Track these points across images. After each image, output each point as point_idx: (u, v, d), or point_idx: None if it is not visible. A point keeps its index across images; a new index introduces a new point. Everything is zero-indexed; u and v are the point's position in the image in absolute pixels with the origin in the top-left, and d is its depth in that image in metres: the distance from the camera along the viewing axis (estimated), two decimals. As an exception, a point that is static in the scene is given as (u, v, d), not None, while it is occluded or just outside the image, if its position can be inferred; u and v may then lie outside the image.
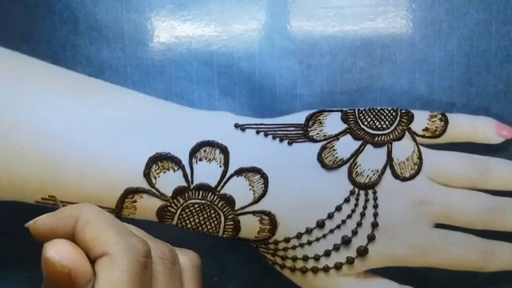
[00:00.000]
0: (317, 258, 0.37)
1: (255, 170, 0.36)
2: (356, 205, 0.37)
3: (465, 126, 0.38)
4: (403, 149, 0.38)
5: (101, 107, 0.36)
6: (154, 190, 0.36)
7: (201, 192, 0.36)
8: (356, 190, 0.37)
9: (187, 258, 0.32)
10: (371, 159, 0.37)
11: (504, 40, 0.38)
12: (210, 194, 0.36)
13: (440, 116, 0.38)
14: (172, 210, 0.36)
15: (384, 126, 0.38)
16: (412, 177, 0.37)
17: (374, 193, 0.37)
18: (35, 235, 0.29)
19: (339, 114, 0.38)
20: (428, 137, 0.38)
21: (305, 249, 0.37)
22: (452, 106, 0.39)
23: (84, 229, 0.28)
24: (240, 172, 0.36)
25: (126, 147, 0.35)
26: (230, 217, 0.37)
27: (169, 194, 0.36)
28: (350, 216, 0.37)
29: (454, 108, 0.39)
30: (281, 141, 0.37)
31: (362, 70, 0.38)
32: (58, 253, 0.27)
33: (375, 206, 0.37)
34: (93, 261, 0.28)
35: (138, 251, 0.28)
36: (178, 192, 0.36)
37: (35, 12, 0.38)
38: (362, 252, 0.37)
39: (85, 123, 0.35)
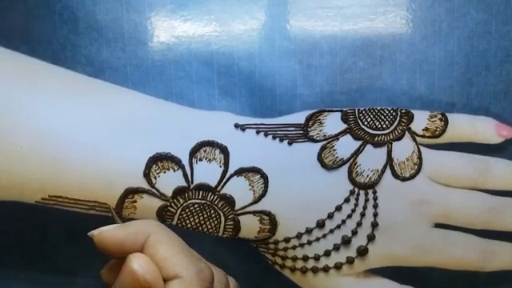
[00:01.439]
0: (317, 257, 0.37)
1: (255, 170, 0.36)
2: (356, 205, 0.37)
3: (465, 125, 0.38)
4: (403, 149, 0.38)
5: (101, 107, 0.36)
6: (154, 190, 0.36)
7: (201, 192, 0.36)
8: (356, 189, 0.37)
9: (233, 284, 0.34)
10: (371, 159, 0.37)
11: (504, 40, 0.38)
12: (210, 194, 0.36)
13: (440, 116, 0.38)
14: (172, 209, 0.36)
15: (384, 125, 0.38)
16: (412, 177, 0.37)
17: (374, 193, 0.37)
18: (99, 245, 0.30)
19: (339, 114, 0.38)
20: (428, 137, 0.38)
21: (305, 249, 0.37)
22: (452, 106, 0.39)
23: (155, 248, 0.30)
24: (240, 172, 0.36)
25: (126, 147, 0.35)
26: (230, 217, 0.37)
27: (169, 193, 0.36)
28: (349, 216, 0.37)
29: (454, 108, 0.39)
30: (281, 141, 0.37)
31: (362, 70, 0.38)
32: (142, 267, 0.28)
33: (375, 206, 0.37)
34: (163, 280, 0.29)
35: (206, 277, 0.30)
36: (178, 192, 0.36)
37: (35, 12, 0.38)
38: (362, 252, 0.37)
39: (85, 123, 0.35)
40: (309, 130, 0.37)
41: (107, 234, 0.30)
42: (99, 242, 0.30)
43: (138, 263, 0.28)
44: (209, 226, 0.37)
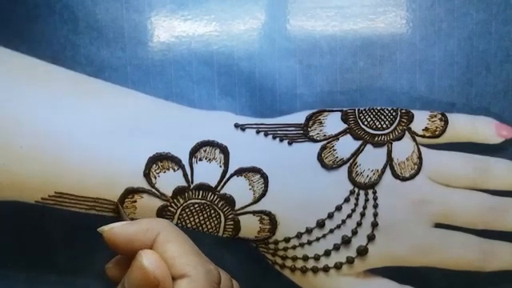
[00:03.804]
0: (317, 257, 0.37)
1: (255, 170, 0.36)
2: (356, 205, 0.37)
3: (465, 125, 0.38)
4: (403, 149, 0.38)
5: (101, 107, 0.36)
6: (154, 190, 0.36)
7: (201, 192, 0.36)
8: (356, 189, 0.37)
9: (236, 285, 0.34)
10: (371, 159, 0.37)
11: (504, 40, 0.38)
12: (210, 194, 0.36)
13: (440, 116, 0.38)
14: (172, 209, 0.36)
15: (384, 125, 0.38)
16: (412, 177, 0.37)
17: (374, 193, 0.37)
18: (109, 241, 0.30)
19: (339, 113, 0.38)
20: (428, 137, 0.38)
21: (305, 248, 0.37)
22: (452, 105, 0.39)
23: (165, 246, 0.30)
24: (240, 172, 0.36)
25: (126, 147, 0.35)
26: (230, 217, 0.37)
27: (169, 193, 0.36)
28: (349, 216, 0.37)
29: (454, 108, 0.39)
30: (281, 141, 0.37)
31: (362, 70, 0.38)
32: (152, 263, 0.29)
33: (375, 206, 0.37)
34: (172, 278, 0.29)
35: (214, 278, 0.30)
36: (178, 192, 0.36)
37: (35, 12, 0.38)
38: (362, 252, 0.37)
39: (85, 123, 0.35)
40: (309, 129, 0.37)
41: (117, 230, 0.30)
42: (109, 238, 0.30)
43: (148, 260, 0.28)
44: (209, 226, 0.37)
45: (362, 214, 0.37)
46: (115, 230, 0.30)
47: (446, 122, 0.38)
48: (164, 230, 0.30)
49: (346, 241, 0.37)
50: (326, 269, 0.37)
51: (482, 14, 0.38)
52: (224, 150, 0.36)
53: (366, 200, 0.37)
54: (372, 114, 0.38)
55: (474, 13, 0.38)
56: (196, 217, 0.37)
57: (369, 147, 0.37)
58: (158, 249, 0.30)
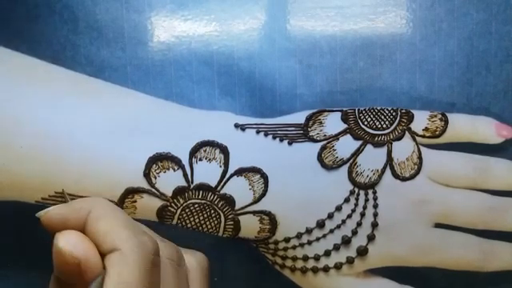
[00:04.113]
0: (317, 257, 0.37)
1: (255, 170, 0.36)
2: (356, 205, 0.37)
3: (465, 125, 0.38)
4: (403, 149, 0.38)
5: (101, 107, 0.36)
6: (154, 190, 0.36)
7: (201, 192, 0.36)
8: (356, 189, 0.37)
9: (194, 260, 0.32)
10: (371, 159, 0.37)
11: (504, 40, 0.38)
12: (210, 194, 0.36)
13: (440, 116, 0.38)
14: (172, 209, 0.36)
15: (384, 125, 0.38)
16: (412, 177, 0.37)
17: (374, 193, 0.37)
18: (46, 225, 0.29)
19: (339, 113, 0.38)
20: (428, 137, 0.38)
21: (305, 249, 0.37)
22: (452, 105, 0.39)
23: (96, 222, 0.28)
24: (240, 172, 0.36)
25: (126, 147, 0.35)
26: (230, 217, 0.37)
27: (169, 193, 0.36)
28: (349, 216, 0.37)
29: (454, 108, 0.39)
30: (281, 141, 0.37)
31: (362, 70, 0.38)
32: (70, 243, 0.27)
33: (375, 206, 0.37)
34: (103, 255, 0.28)
35: (149, 249, 0.28)
36: (178, 192, 0.36)
37: (35, 12, 0.38)
38: (362, 252, 0.37)
39: (85, 123, 0.35)
40: (309, 129, 0.37)
41: (52, 213, 0.29)
42: (45, 222, 0.29)
43: (64, 241, 0.27)
44: (209, 226, 0.37)
45: (362, 214, 0.37)
46: (50, 213, 0.29)
47: (446, 122, 0.38)
48: (95, 207, 0.29)
49: (346, 241, 0.37)
50: (325, 269, 0.37)
51: (482, 13, 0.38)
52: (224, 150, 0.36)
53: (366, 200, 0.37)
54: (372, 114, 0.38)
55: (474, 13, 0.38)
56: (196, 217, 0.37)
57: (369, 147, 0.37)
58: (90, 227, 0.29)
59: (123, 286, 0.27)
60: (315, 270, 0.37)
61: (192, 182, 0.36)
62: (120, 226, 0.29)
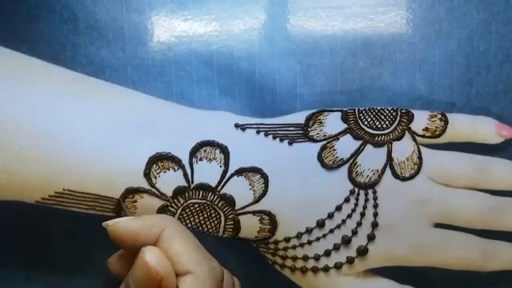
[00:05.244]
0: (317, 257, 0.37)
1: (255, 170, 0.36)
2: (356, 204, 0.37)
3: (465, 125, 0.38)
4: (403, 149, 0.38)
5: (101, 107, 0.36)
6: (154, 190, 0.36)
7: (201, 192, 0.36)
8: (356, 189, 0.37)
9: (237, 283, 0.34)
10: (371, 159, 0.37)
11: (504, 40, 0.38)
12: (210, 194, 0.36)
13: (440, 116, 0.38)
14: (172, 209, 0.36)
15: (384, 125, 0.38)
16: (412, 177, 0.37)
17: (374, 192, 0.37)
18: (113, 236, 0.30)
19: (339, 113, 0.38)
20: (428, 137, 0.38)
21: (305, 248, 0.37)
22: (452, 105, 0.39)
23: (169, 242, 0.30)
24: (240, 172, 0.36)
25: (126, 147, 0.35)
26: (230, 216, 0.37)
27: (169, 193, 0.36)
28: (349, 216, 0.37)
29: (454, 108, 0.39)
30: (281, 141, 0.37)
31: (362, 70, 0.38)
32: (155, 260, 0.29)
33: (375, 206, 0.37)
34: (176, 275, 0.29)
35: (218, 274, 0.30)
36: (179, 192, 0.36)
37: (35, 12, 0.38)
38: (362, 252, 0.37)
39: (85, 123, 0.35)
40: (309, 129, 0.37)
41: (122, 225, 0.30)
42: (113, 233, 0.30)
43: (151, 256, 0.29)
44: (209, 226, 0.37)
45: (362, 214, 0.37)
46: (120, 225, 0.30)
47: (446, 122, 0.38)
48: (169, 226, 0.30)
49: (346, 241, 0.37)
50: (326, 269, 0.37)
51: (482, 13, 0.38)
52: (224, 150, 0.36)
53: (366, 200, 0.37)
54: (372, 113, 0.38)
55: (474, 13, 0.38)
56: (196, 217, 0.37)
57: (369, 147, 0.37)
58: (163, 245, 0.30)
59: None
60: (315, 270, 0.37)
61: (192, 182, 0.36)
62: (193, 249, 0.30)
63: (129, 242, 0.30)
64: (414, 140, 0.38)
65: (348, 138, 0.37)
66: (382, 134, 0.38)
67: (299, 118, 0.37)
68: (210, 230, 0.37)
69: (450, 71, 0.38)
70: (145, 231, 0.30)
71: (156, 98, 0.38)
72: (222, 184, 0.36)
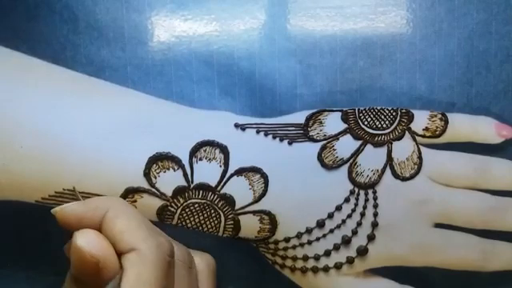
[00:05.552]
0: (317, 257, 0.37)
1: (255, 170, 0.36)
2: (356, 204, 0.37)
3: (465, 125, 0.38)
4: (403, 148, 0.38)
5: (101, 107, 0.36)
6: (154, 190, 0.36)
7: (201, 191, 0.36)
8: (356, 189, 0.37)
9: (202, 261, 0.33)
10: (371, 159, 0.37)
11: (504, 40, 0.38)
12: (210, 194, 0.36)
13: (440, 116, 0.38)
14: (172, 209, 0.36)
15: (384, 125, 0.38)
16: (412, 176, 0.37)
17: (374, 192, 0.37)
18: (61, 222, 0.30)
19: (339, 113, 0.38)
20: (428, 136, 0.38)
21: (305, 248, 0.37)
22: (452, 105, 0.39)
23: (113, 221, 0.29)
24: (240, 172, 0.36)
25: (125, 147, 0.35)
26: (230, 216, 0.37)
27: (169, 193, 0.36)
28: (349, 216, 0.37)
29: (454, 108, 0.39)
30: (281, 140, 0.37)
31: (362, 70, 0.38)
32: (88, 242, 0.28)
33: (375, 206, 0.37)
34: (119, 254, 0.28)
35: (165, 250, 0.29)
36: (178, 191, 0.36)
37: (35, 11, 0.38)
38: (362, 252, 0.37)
39: (85, 123, 0.35)
40: (309, 129, 0.37)
41: (68, 210, 0.30)
42: (61, 218, 0.30)
43: (83, 239, 0.28)
44: (209, 226, 0.37)
45: (362, 214, 0.37)
46: (66, 210, 0.30)
47: (446, 122, 0.38)
48: (112, 207, 0.30)
49: (346, 241, 0.37)
50: (325, 269, 0.37)
51: (482, 13, 0.38)
52: (224, 150, 0.36)
53: (366, 200, 0.37)
54: (372, 113, 0.38)
55: (474, 13, 0.38)
56: (196, 217, 0.37)
57: (369, 147, 0.37)
58: (107, 225, 0.29)
59: (141, 286, 0.27)
60: (315, 270, 0.37)
61: (192, 182, 0.36)
62: (138, 226, 0.29)
63: (75, 226, 0.29)
64: (414, 140, 0.38)
65: (348, 137, 0.37)
66: (382, 134, 0.38)
67: (299, 117, 0.37)
68: (210, 230, 0.37)
69: (450, 71, 0.38)
70: (90, 214, 0.29)
71: (156, 98, 0.38)
72: (221, 184, 0.36)
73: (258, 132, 0.37)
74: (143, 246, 0.28)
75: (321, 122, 0.37)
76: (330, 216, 0.37)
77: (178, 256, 0.31)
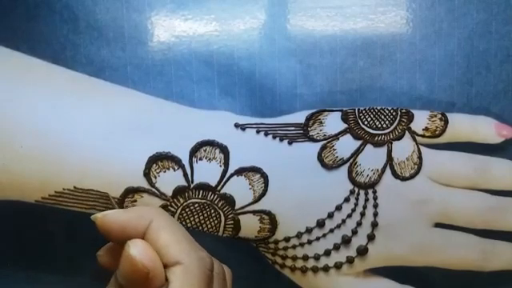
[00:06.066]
0: (317, 257, 0.37)
1: (255, 170, 0.36)
2: (356, 204, 0.37)
3: (465, 125, 0.38)
4: (403, 148, 0.38)
5: (101, 107, 0.36)
6: (154, 190, 0.36)
7: (201, 191, 0.36)
8: (356, 189, 0.37)
9: (228, 273, 0.33)
10: (371, 159, 0.37)
11: (504, 40, 0.38)
12: (210, 194, 0.36)
13: (440, 116, 0.38)
14: (172, 209, 0.36)
15: (384, 125, 0.38)
16: (412, 176, 0.37)
17: (374, 192, 0.37)
18: (101, 229, 0.30)
19: (339, 113, 0.38)
20: (428, 136, 0.38)
21: (305, 248, 0.37)
22: (452, 105, 0.39)
23: (157, 233, 0.29)
24: (240, 171, 0.36)
25: (126, 147, 0.35)
26: (230, 216, 0.37)
27: (169, 193, 0.36)
28: (349, 215, 0.37)
29: (454, 108, 0.39)
30: (281, 140, 0.37)
31: (362, 70, 0.38)
32: (140, 252, 0.28)
33: (375, 206, 0.37)
34: (165, 266, 0.29)
35: (207, 264, 0.30)
36: (178, 191, 0.36)
37: (35, 11, 0.38)
38: (362, 251, 0.37)
39: (85, 123, 0.35)
40: (309, 129, 0.37)
41: (110, 218, 0.30)
42: (102, 225, 0.30)
43: (136, 249, 0.28)
44: (209, 226, 0.37)
45: (362, 214, 0.37)
46: (108, 217, 0.30)
47: (446, 122, 0.38)
48: (157, 218, 0.30)
49: (346, 240, 0.37)
50: (325, 268, 0.37)
51: (482, 13, 0.38)
52: (224, 150, 0.36)
53: (366, 200, 0.37)
54: (372, 113, 0.38)
55: (474, 13, 0.38)
56: (196, 216, 0.37)
57: (369, 147, 0.37)
58: (151, 236, 0.29)
59: None
60: (315, 270, 0.37)
61: (192, 182, 0.36)
62: (181, 240, 0.30)
63: (117, 234, 0.29)
64: (414, 140, 0.38)
65: (348, 137, 0.37)
66: (382, 134, 0.38)
67: (299, 117, 0.37)
68: (210, 230, 0.37)
69: (450, 71, 0.38)
70: (133, 223, 0.29)
71: (156, 98, 0.38)
72: (221, 184, 0.36)
73: (258, 132, 0.37)
74: (187, 260, 0.29)
75: (321, 122, 0.37)
76: (330, 216, 0.37)
77: (215, 269, 0.31)
